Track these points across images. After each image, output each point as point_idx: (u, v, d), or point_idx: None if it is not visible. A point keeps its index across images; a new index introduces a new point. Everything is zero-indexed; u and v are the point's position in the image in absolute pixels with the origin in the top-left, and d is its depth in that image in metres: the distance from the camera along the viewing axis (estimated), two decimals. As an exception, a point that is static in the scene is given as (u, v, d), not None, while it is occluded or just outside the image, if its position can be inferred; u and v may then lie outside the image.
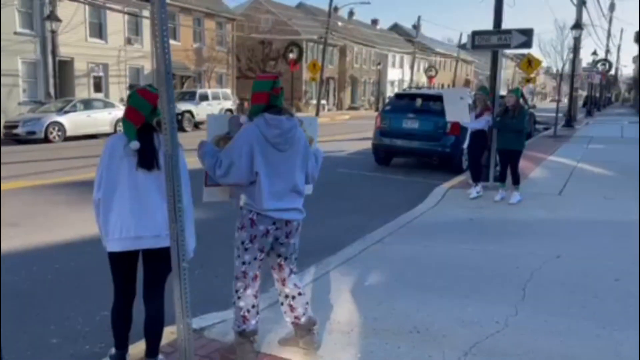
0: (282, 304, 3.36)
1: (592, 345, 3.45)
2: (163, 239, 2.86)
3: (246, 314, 3.18)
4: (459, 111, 8.47)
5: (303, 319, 3.30)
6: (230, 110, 25.61)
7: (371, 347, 3.42)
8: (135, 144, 2.84)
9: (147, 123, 2.93)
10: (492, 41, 9.06)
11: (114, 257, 2.94)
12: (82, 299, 4.19)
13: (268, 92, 3.07)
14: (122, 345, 3.10)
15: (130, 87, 27.03)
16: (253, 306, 3.21)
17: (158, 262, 2.95)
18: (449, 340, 3.51)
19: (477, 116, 8.55)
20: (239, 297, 3.18)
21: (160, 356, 3.18)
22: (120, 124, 3.18)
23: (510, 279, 4.68)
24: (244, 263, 3.14)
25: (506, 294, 4.34)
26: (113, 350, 3.13)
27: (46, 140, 16.80)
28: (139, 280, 3.07)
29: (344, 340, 3.52)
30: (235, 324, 3.23)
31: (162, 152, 2.75)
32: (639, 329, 3.62)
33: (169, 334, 3.38)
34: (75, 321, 3.93)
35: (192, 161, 3.07)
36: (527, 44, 8.80)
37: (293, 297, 3.30)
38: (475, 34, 9.25)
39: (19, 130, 16.89)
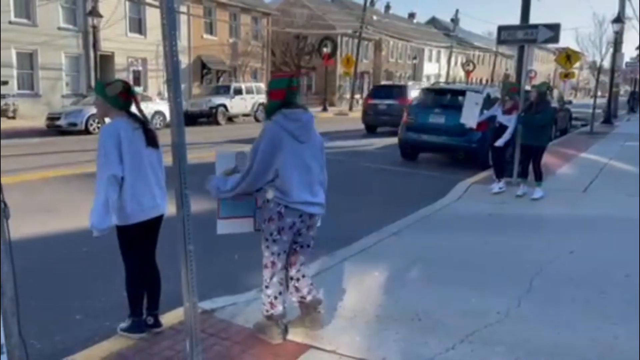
0: (287, 286, 3.50)
1: (588, 336, 3.50)
2: (165, 207, 3.37)
3: (273, 300, 3.37)
4: (471, 115, 8.72)
5: (309, 298, 3.48)
6: (263, 104, 25.93)
7: (370, 331, 3.57)
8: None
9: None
10: (518, 36, 8.98)
11: (139, 227, 3.27)
12: (104, 280, 4.47)
13: (284, 90, 3.23)
14: (142, 311, 3.42)
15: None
16: (280, 293, 3.38)
17: (158, 227, 3.43)
18: (448, 328, 3.62)
19: (505, 112, 8.55)
20: (266, 286, 3.36)
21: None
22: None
23: (519, 273, 4.72)
24: (272, 254, 3.30)
25: (512, 286, 4.40)
26: (129, 322, 3.40)
27: (86, 131, 17.46)
28: None
29: (346, 324, 3.68)
30: (264, 309, 3.41)
31: None
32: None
33: (181, 314, 3.60)
34: (97, 300, 4.22)
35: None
36: (554, 39, 8.68)
37: (297, 280, 3.47)
38: (501, 28, 9.18)
39: (61, 122, 17.61)
